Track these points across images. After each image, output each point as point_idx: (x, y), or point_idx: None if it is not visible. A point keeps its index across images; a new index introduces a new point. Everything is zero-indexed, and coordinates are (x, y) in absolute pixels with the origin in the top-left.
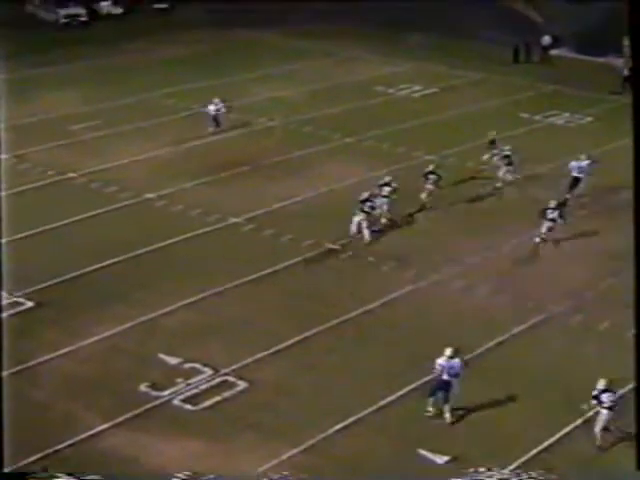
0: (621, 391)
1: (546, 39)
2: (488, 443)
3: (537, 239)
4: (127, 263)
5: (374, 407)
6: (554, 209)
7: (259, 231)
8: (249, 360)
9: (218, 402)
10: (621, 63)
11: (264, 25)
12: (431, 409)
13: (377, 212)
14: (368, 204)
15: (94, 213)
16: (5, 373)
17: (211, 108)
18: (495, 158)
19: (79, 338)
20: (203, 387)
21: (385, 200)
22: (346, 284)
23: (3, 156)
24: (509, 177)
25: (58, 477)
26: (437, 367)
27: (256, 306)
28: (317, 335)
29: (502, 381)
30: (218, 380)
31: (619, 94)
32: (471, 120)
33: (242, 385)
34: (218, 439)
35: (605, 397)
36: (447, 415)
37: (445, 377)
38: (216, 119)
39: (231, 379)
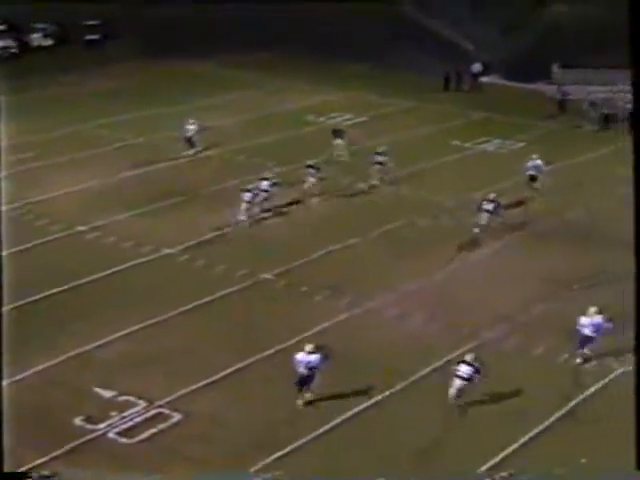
0: (554, 416)
1: (476, 66)
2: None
3: (476, 229)
4: (62, 295)
5: (309, 437)
6: (491, 201)
7: (193, 261)
8: (184, 391)
9: (153, 434)
10: (554, 88)
11: (198, 56)
12: (301, 400)
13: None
14: (248, 194)
15: (26, 246)
16: None
17: (189, 128)
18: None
19: (16, 370)
20: (138, 420)
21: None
22: (280, 314)
23: None
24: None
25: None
26: (295, 362)
27: (192, 337)
28: (252, 365)
29: (439, 406)
30: (153, 412)
31: (555, 118)
32: (402, 148)
33: (177, 417)
34: (153, 471)
35: (464, 368)
36: (300, 401)
37: (302, 370)
38: (190, 140)
39: (166, 411)
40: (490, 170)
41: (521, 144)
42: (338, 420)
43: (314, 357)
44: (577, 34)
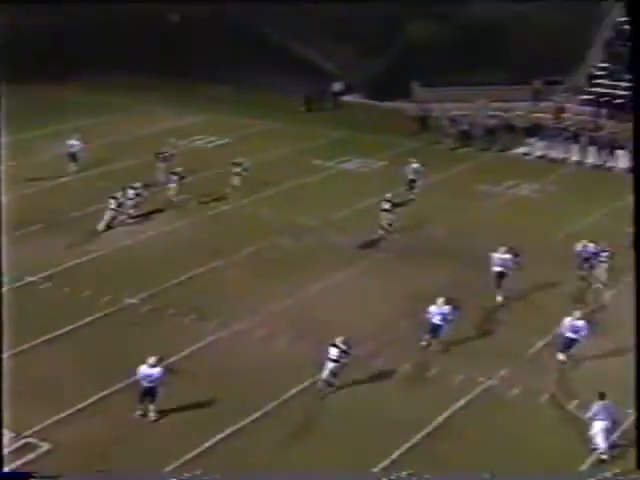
0: (425, 430)
1: (337, 86)
2: None
3: (380, 231)
4: None
5: (177, 462)
6: (388, 201)
7: (57, 289)
8: (52, 420)
9: (22, 465)
10: (414, 106)
11: (59, 79)
12: (140, 411)
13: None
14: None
15: None
16: None
17: (72, 144)
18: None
19: None
20: (6, 451)
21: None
22: (147, 339)
23: None
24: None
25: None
26: (139, 375)
27: (57, 365)
28: (118, 392)
29: (310, 426)
30: (21, 443)
31: (416, 135)
32: (265, 168)
33: (45, 446)
34: None
35: (334, 351)
36: (151, 414)
37: (146, 384)
38: (74, 156)
39: (34, 441)
40: (352, 189)
41: (382, 162)
42: (208, 444)
43: (156, 370)
44: (435, 53)
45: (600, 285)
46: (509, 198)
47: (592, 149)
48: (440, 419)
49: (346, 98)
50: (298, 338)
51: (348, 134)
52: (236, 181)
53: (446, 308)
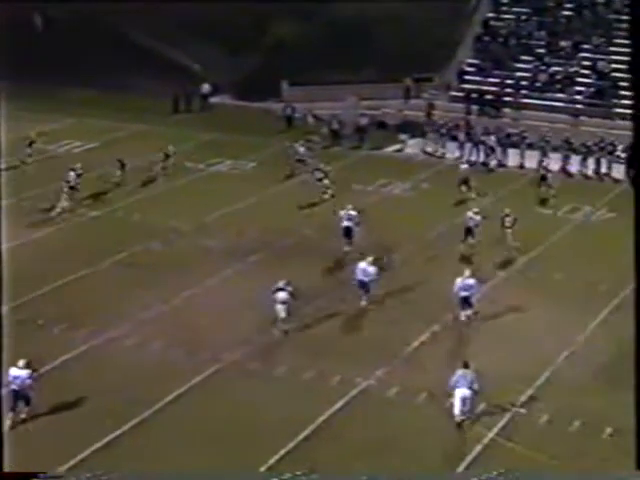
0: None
1: (205, 87)
2: None
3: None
4: None
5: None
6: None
7: None
8: None
9: None
10: (283, 106)
11: None
12: (10, 420)
13: None
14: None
15: None
16: None
17: None
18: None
19: None
20: None
21: None
22: (17, 349)
23: None
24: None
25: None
26: (9, 377)
27: None
28: None
29: (185, 434)
30: None
31: (284, 134)
32: (135, 173)
33: None
34: None
35: (281, 295)
36: (23, 415)
37: (15, 387)
38: None
39: None
40: (224, 191)
41: (252, 164)
42: (85, 454)
43: (25, 372)
44: (304, 52)
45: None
46: (381, 197)
47: (469, 146)
48: (318, 421)
49: (215, 100)
50: (171, 344)
51: (218, 136)
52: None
53: (372, 269)
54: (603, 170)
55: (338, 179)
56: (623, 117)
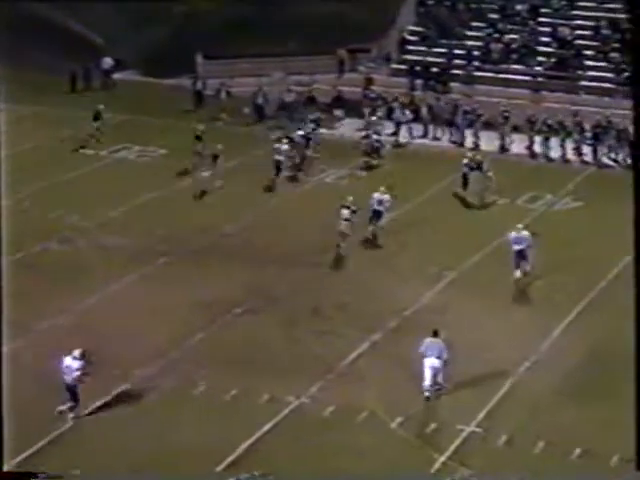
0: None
1: (107, 62)
2: None
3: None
4: None
5: None
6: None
7: None
8: None
9: None
10: (197, 82)
11: None
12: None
13: None
14: None
15: None
16: None
17: None
18: None
19: None
20: None
21: None
22: None
23: None
24: None
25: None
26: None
27: None
28: None
29: (95, 458)
30: None
31: (193, 111)
32: (23, 162)
33: None
34: None
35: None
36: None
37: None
38: None
39: None
40: (130, 182)
41: (163, 150)
42: None
43: (76, 364)
44: (223, 22)
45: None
46: (313, 186)
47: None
48: (244, 446)
49: (118, 76)
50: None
51: (124, 118)
52: None
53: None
54: (569, 152)
55: (259, 165)
56: (589, 91)
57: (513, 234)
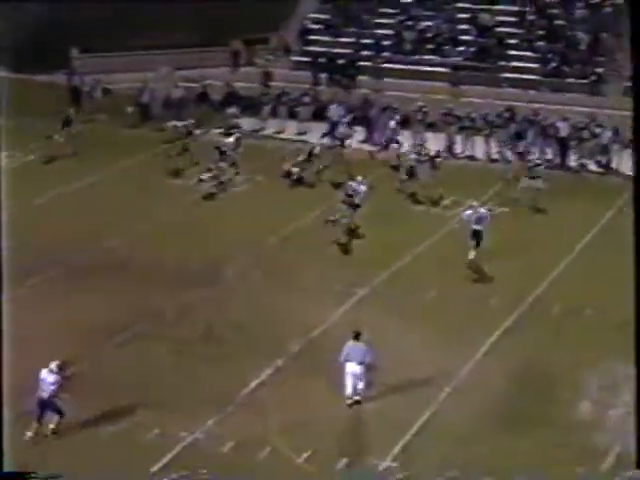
0: None
1: None
2: None
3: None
4: None
5: None
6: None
7: None
8: None
9: None
10: (74, 78)
11: None
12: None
13: None
14: None
15: None
16: None
17: None
18: None
19: None
20: None
21: None
22: None
23: None
24: None
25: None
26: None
27: None
28: None
29: None
30: None
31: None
32: None
33: None
34: None
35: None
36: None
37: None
38: None
39: None
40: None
41: (32, 156)
42: None
43: (52, 378)
44: (99, 12)
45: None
46: (204, 194)
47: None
48: None
49: None
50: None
51: None
52: None
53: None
54: (494, 151)
55: (149, 171)
56: (514, 84)
57: (469, 212)
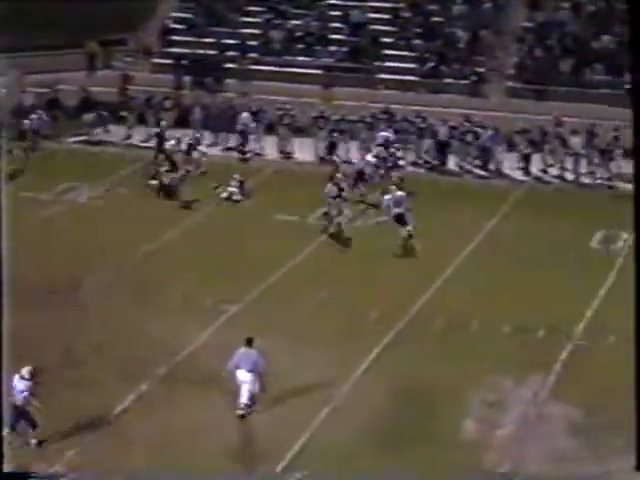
0: None
1: None
2: None
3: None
4: None
5: None
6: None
7: None
8: None
9: None
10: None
11: None
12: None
13: None
14: None
15: None
16: None
17: None
18: None
19: None
20: None
21: None
22: None
23: None
24: None
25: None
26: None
27: None
28: None
29: None
30: None
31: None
32: None
33: None
34: None
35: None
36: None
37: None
38: None
39: None
40: None
41: None
42: None
43: (23, 385)
44: None
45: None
46: (64, 208)
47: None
48: None
49: None
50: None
51: None
52: None
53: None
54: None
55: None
56: (389, 85)
57: (388, 197)
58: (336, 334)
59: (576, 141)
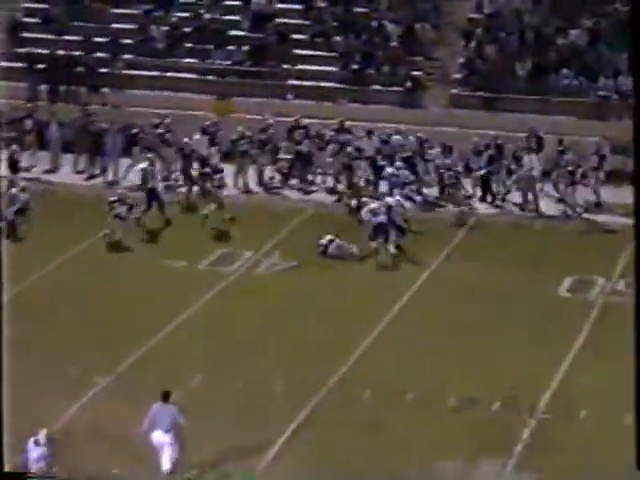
0: None
1: None
2: None
3: None
4: None
5: None
6: None
7: None
8: None
9: None
10: None
11: None
12: None
13: None
14: None
15: None
16: None
17: None
18: None
19: None
20: None
21: None
22: None
23: None
24: None
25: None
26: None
27: None
28: None
29: None
30: None
31: None
32: None
33: None
34: None
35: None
36: None
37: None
38: None
39: None
40: None
41: None
42: None
43: (38, 451)
44: None
45: None
46: None
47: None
48: None
49: None
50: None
51: None
52: None
53: None
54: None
55: None
56: (301, 93)
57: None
58: (235, 414)
59: (536, 161)
